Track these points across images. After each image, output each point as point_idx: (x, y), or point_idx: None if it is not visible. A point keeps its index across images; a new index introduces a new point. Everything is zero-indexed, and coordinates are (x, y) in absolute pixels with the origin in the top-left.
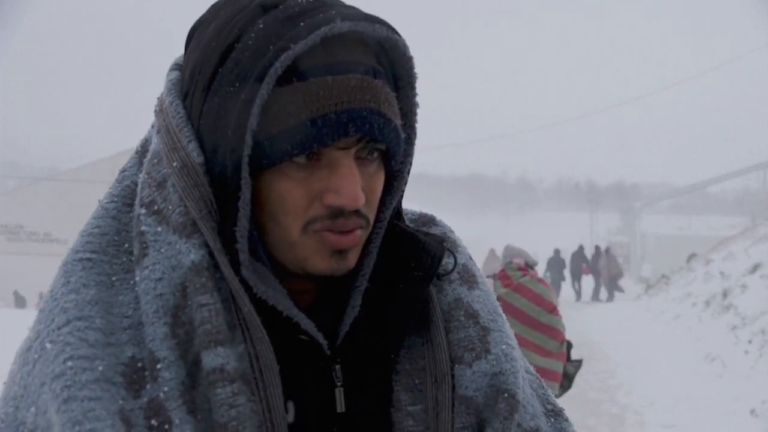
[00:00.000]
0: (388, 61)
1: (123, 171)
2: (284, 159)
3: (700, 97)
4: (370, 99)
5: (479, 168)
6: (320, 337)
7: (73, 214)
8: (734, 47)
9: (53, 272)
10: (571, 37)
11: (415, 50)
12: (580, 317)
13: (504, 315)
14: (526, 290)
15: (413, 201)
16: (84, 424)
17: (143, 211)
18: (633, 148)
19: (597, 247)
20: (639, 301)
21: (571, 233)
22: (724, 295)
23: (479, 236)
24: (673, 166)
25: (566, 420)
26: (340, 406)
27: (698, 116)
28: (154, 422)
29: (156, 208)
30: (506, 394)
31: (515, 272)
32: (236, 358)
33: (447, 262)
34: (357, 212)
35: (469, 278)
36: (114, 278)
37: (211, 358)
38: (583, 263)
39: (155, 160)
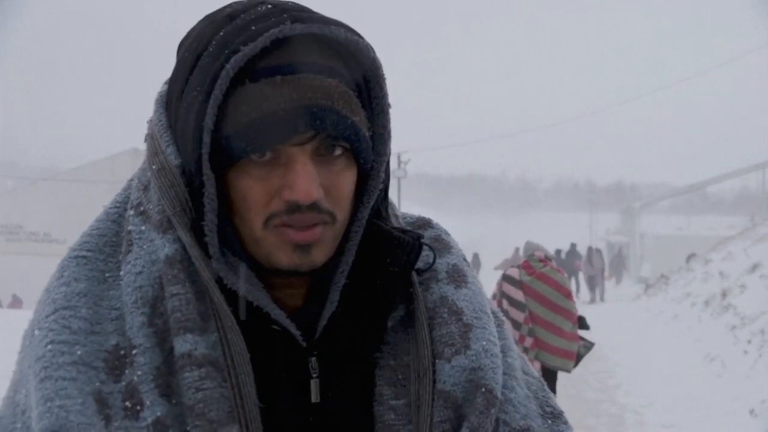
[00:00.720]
0: (356, 64)
1: (130, 180)
2: (241, 157)
3: (699, 97)
4: (321, 96)
5: (479, 168)
6: (292, 327)
7: (73, 214)
8: (734, 47)
9: (52, 272)
10: (570, 36)
11: (414, 50)
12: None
13: (490, 314)
14: (547, 278)
15: (413, 201)
16: (55, 401)
17: (132, 212)
18: (632, 148)
19: (590, 248)
20: (638, 301)
21: (571, 233)
22: (724, 295)
23: (479, 236)
24: (672, 166)
25: (565, 423)
26: (315, 397)
27: (698, 116)
28: (128, 404)
29: (142, 208)
30: (483, 389)
31: (537, 263)
32: (207, 346)
33: (439, 262)
34: (316, 208)
35: (457, 278)
36: (107, 274)
37: (181, 344)
38: (576, 261)
39: (144, 166)
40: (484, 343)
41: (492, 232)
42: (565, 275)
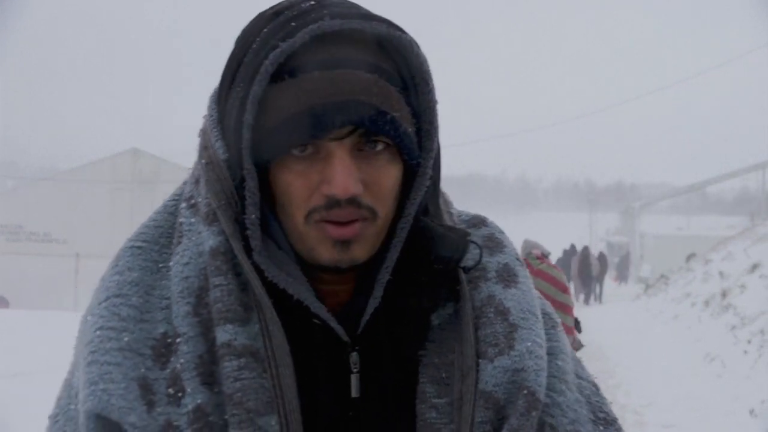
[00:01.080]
0: (401, 59)
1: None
2: (282, 152)
3: (699, 97)
4: (359, 91)
5: (478, 168)
6: (333, 322)
7: (73, 214)
8: (734, 47)
9: (53, 272)
10: (570, 36)
11: None
12: (579, 317)
13: (539, 315)
14: (544, 274)
15: None
16: (99, 384)
17: (184, 204)
18: (632, 148)
19: (585, 248)
20: (638, 301)
21: (571, 233)
22: (724, 295)
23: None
24: (672, 166)
25: (618, 430)
26: (355, 392)
27: (697, 116)
28: (171, 390)
29: (193, 201)
30: (526, 391)
31: (534, 261)
32: (248, 337)
33: (487, 261)
34: (355, 203)
35: (507, 277)
36: (161, 265)
37: (221, 334)
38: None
39: (196, 160)
40: (529, 344)
41: None
42: (561, 270)
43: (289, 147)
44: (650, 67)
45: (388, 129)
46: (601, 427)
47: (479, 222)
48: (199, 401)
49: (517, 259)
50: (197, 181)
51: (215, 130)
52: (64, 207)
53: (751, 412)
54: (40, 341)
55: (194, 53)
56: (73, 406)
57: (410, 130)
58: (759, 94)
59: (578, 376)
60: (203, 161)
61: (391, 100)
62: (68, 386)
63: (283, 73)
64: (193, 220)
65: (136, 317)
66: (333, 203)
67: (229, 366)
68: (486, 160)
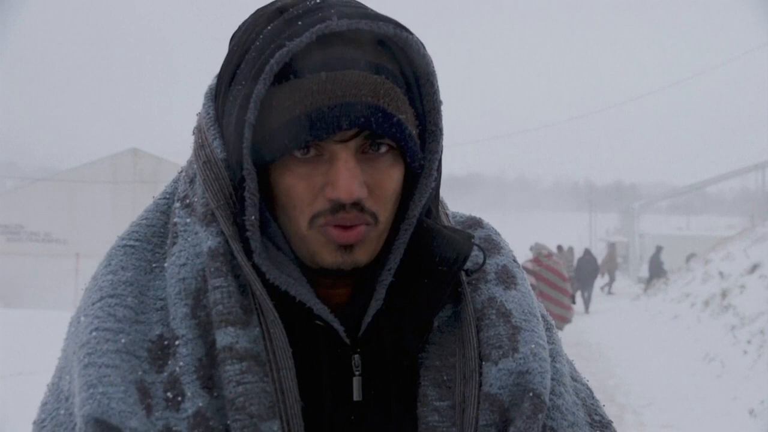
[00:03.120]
0: (405, 60)
1: (180, 171)
2: (284, 153)
3: (699, 97)
4: (366, 93)
5: (478, 168)
6: (336, 323)
7: (73, 214)
8: (734, 47)
9: (53, 272)
10: (569, 36)
11: None
12: (579, 317)
13: (540, 317)
14: (551, 268)
15: None
16: (97, 387)
17: (178, 204)
18: (632, 148)
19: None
20: (638, 301)
21: (570, 233)
22: (723, 295)
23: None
24: (671, 166)
25: None
26: (357, 395)
27: (697, 116)
28: (169, 394)
29: (188, 201)
30: (531, 394)
31: (544, 258)
32: (249, 340)
33: (488, 263)
34: (360, 207)
35: (507, 279)
36: (154, 265)
37: (222, 337)
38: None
39: (191, 159)
40: (533, 346)
41: None
42: (562, 264)
43: (292, 148)
44: (650, 67)
45: (394, 131)
46: (598, 431)
47: (475, 223)
48: (199, 405)
49: (514, 260)
50: (192, 180)
51: (212, 128)
52: (64, 207)
53: (751, 412)
54: (40, 341)
55: (195, 53)
56: (62, 411)
57: (414, 132)
58: (759, 94)
59: (574, 379)
60: (201, 160)
61: (397, 102)
62: (55, 390)
63: (287, 72)
64: (188, 220)
65: (131, 318)
66: (338, 207)
67: (230, 370)
68: (486, 160)
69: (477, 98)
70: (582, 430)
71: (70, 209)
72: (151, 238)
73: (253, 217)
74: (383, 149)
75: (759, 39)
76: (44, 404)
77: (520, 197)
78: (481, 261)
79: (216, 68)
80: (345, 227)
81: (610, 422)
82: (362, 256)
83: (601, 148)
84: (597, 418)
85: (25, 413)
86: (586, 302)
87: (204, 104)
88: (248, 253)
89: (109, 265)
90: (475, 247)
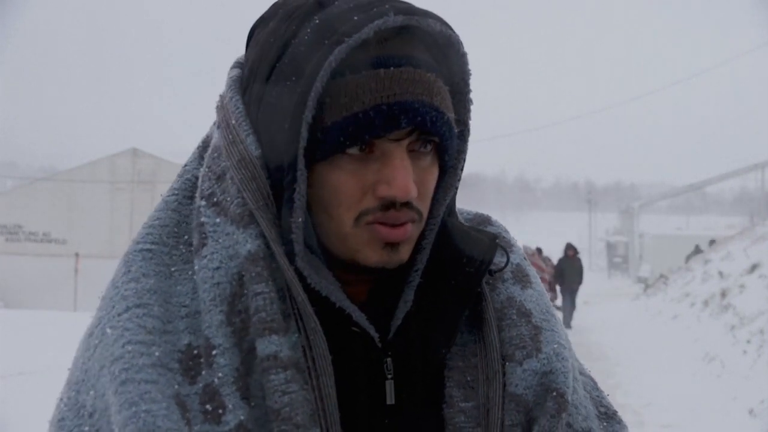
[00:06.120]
0: (443, 56)
1: (185, 165)
2: (338, 151)
3: (699, 97)
4: (422, 92)
5: (478, 168)
6: (372, 330)
7: (72, 214)
8: (734, 47)
9: (53, 272)
10: (570, 36)
11: None
12: (579, 317)
13: (556, 315)
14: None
15: None
16: (140, 405)
17: (203, 203)
18: (631, 148)
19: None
20: (637, 300)
21: (570, 233)
22: (723, 295)
23: None
24: (671, 166)
25: (619, 422)
26: (390, 398)
27: (697, 116)
28: (208, 407)
29: (215, 200)
30: (555, 393)
31: (529, 257)
32: (290, 347)
33: (499, 260)
34: (409, 205)
35: (522, 278)
36: (173, 269)
37: (265, 346)
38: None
39: (215, 154)
40: (555, 346)
41: None
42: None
43: (348, 146)
44: (650, 67)
45: (445, 131)
46: (605, 423)
47: (484, 221)
48: (241, 417)
49: (525, 258)
50: (219, 178)
51: (244, 123)
52: (63, 207)
53: (750, 412)
54: (40, 341)
55: (195, 53)
56: (87, 428)
57: (456, 131)
58: (759, 94)
59: (580, 373)
60: (235, 158)
61: (446, 101)
62: (74, 405)
63: (342, 68)
64: (218, 220)
65: (160, 329)
66: (389, 205)
67: (275, 379)
68: (486, 160)
69: (477, 98)
70: (593, 423)
71: (69, 209)
72: (167, 240)
73: (300, 219)
74: (428, 147)
75: (759, 39)
76: (61, 420)
77: (520, 197)
78: (504, 262)
79: (217, 69)
80: (393, 225)
81: (615, 412)
82: (406, 254)
83: (601, 148)
84: (602, 409)
85: (25, 413)
86: (567, 314)
87: (231, 97)
88: (288, 256)
89: (129, 271)
90: (500, 248)
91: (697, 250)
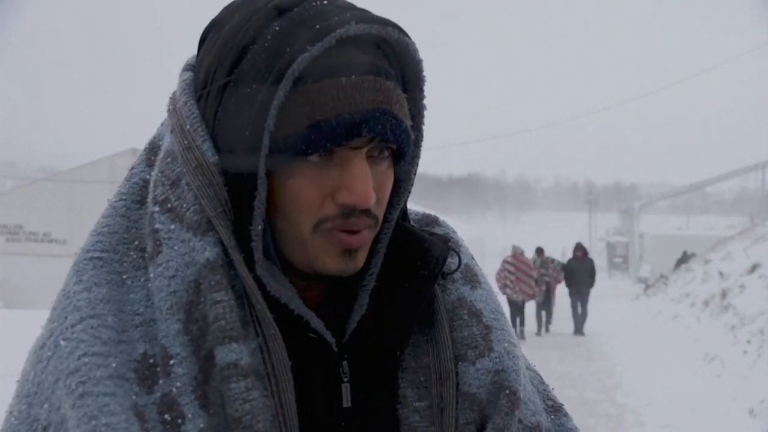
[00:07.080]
0: (398, 63)
1: (132, 169)
2: (298, 158)
3: (699, 97)
4: (382, 100)
5: (478, 168)
6: (329, 336)
7: (73, 214)
8: (734, 47)
9: (53, 272)
10: (570, 36)
11: None
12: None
13: (505, 314)
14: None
15: (412, 200)
16: (100, 419)
17: (157, 209)
18: (632, 148)
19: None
20: (637, 301)
21: (570, 233)
22: (723, 295)
23: (478, 236)
24: (671, 166)
25: (565, 415)
26: (347, 401)
27: (697, 116)
28: (167, 417)
29: (170, 206)
30: (507, 391)
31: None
32: (249, 354)
33: (450, 261)
34: (367, 212)
35: (471, 278)
36: (125, 276)
37: (225, 354)
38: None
39: (169, 159)
40: (506, 344)
41: (491, 232)
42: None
43: (309, 154)
44: (650, 67)
45: (403, 138)
46: (552, 415)
47: (432, 221)
48: (201, 426)
49: (472, 258)
50: (173, 183)
51: (200, 129)
52: (63, 207)
53: (750, 412)
54: None
55: (194, 53)
56: None
57: (413, 137)
58: (759, 94)
59: (527, 368)
60: (192, 165)
61: (404, 109)
62: (26, 418)
63: (305, 76)
64: (173, 226)
65: (115, 339)
66: (349, 212)
67: (236, 387)
68: (486, 160)
69: (477, 98)
70: (542, 417)
71: (70, 209)
72: (117, 247)
73: (260, 227)
74: (386, 153)
75: (759, 39)
76: None
77: (520, 197)
78: (456, 264)
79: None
80: (352, 232)
81: (561, 405)
82: (362, 260)
83: (601, 148)
84: (549, 402)
85: None
86: (579, 320)
87: (185, 102)
88: (247, 263)
89: (81, 281)
90: (452, 251)
91: (685, 257)
